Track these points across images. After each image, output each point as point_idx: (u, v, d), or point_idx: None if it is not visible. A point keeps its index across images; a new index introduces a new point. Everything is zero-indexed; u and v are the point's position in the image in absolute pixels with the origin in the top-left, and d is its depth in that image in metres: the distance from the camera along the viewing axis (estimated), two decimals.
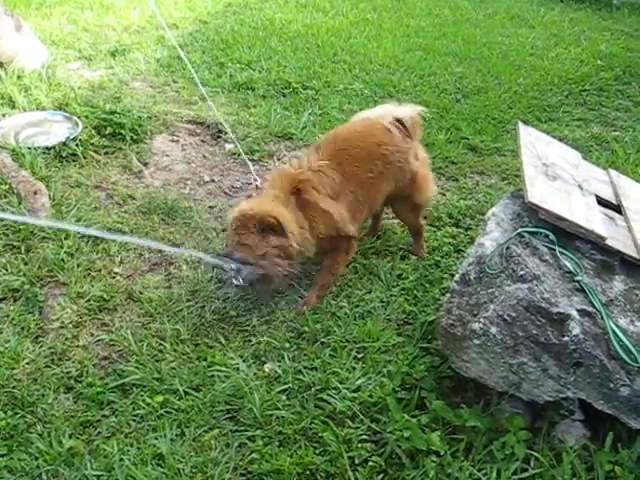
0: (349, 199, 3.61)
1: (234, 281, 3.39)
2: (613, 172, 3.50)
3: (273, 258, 3.34)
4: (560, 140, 3.85)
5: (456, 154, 5.30)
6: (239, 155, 5.16)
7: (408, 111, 3.83)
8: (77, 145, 4.92)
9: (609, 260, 2.86)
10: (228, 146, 5.36)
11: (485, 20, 9.15)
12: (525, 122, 3.72)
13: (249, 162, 4.91)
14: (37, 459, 2.65)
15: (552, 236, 2.83)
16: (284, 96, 6.32)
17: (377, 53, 7.49)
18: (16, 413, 2.84)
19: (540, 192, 2.92)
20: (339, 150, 3.62)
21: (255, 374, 3.09)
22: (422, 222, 4.08)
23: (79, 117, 5.21)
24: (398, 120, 3.74)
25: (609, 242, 2.84)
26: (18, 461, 2.62)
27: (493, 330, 2.63)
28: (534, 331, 2.58)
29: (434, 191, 4.09)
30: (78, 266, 3.73)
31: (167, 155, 5.21)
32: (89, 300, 3.51)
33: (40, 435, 2.76)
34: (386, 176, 3.70)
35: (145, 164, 4.98)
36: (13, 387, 2.97)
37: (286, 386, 3.04)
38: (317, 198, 3.49)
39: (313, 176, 3.51)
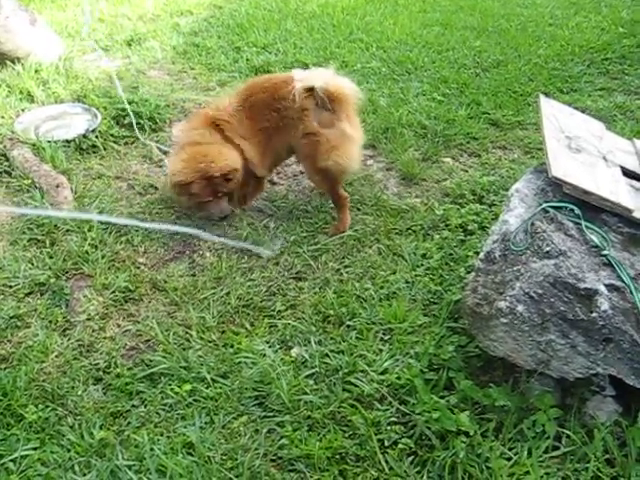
0: (257, 141, 4.02)
1: None
2: (638, 142, 3.42)
3: None
4: (583, 111, 3.79)
5: (477, 129, 5.23)
6: None
7: (326, 82, 3.92)
8: (97, 137, 4.95)
9: (637, 233, 2.80)
10: None
11: None
12: (547, 94, 3.67)
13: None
14: (69, 451, 2.67)
15: (577, 210, 2.78)
16: None
17: (394, 30, 7.41)
18: (47, 406, 2.87)
19: (564, 166, 2.87)
20: (248, 97, 4.02)
21: (282, 359, 3.09)
22: (342, 193, 4.09)
23: (98, 108, 5.23)
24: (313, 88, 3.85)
25: (636, 214, 2.78)
26: (50, 453, 2.65)
27: (520, 308, 2.60)
28: (562, 308, 2.55)
29: (346, 162, 3.89)
30: (102, 257, 3.76)
31: None
32: (114, 291, 3.54)
33: (71, 427, 2.79)
34: (281, 129, 3.97)
35: (165, 153, 4.98)
36: (43, 380, 3.00)
37: (313, 370, 3.04)
38: (233, 136, 3.99)
39: (230, 117, 3.99)
